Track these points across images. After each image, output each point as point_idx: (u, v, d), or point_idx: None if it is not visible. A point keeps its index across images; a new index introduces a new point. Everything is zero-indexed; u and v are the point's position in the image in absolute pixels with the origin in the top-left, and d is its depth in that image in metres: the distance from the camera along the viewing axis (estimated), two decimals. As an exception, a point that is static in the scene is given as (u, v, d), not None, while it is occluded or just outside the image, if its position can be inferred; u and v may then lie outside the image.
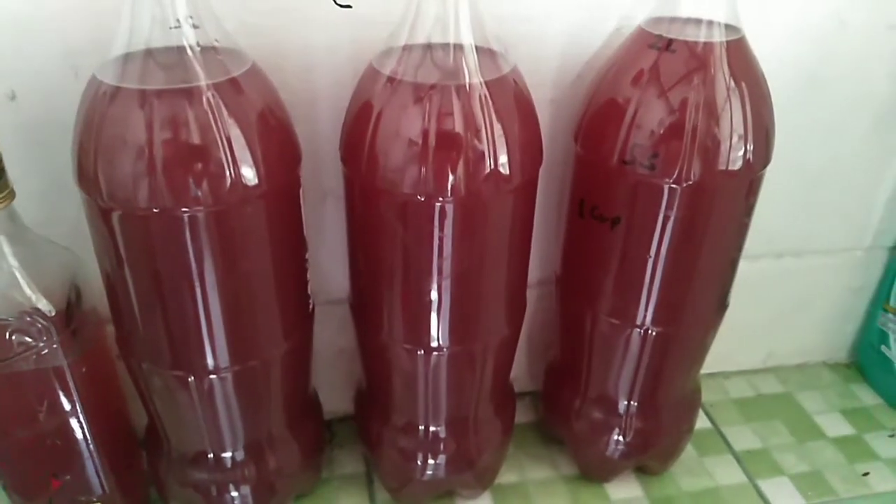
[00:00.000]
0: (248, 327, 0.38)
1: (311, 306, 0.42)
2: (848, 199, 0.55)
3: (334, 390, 0.51)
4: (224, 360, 0.38)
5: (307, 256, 0.41)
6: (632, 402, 0.47)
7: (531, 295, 0.45)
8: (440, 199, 0.35)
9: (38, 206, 0.40)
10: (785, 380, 0.62)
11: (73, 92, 0.35)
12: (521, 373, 0.55)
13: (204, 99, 0.32)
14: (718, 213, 0.39)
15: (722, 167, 0.37)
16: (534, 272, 0.44)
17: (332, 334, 0.50)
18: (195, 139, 0.32)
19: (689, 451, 0.52)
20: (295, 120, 0.37)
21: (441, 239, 0.36)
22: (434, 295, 0.38)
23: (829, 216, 0.56)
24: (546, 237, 0.49)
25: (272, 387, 0.41)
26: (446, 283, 0.38)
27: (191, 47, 0.33)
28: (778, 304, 0.59)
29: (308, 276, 0.41)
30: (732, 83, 0.36)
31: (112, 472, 0.43)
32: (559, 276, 0.48)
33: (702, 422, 0.56)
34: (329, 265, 0.47)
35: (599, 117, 0.39)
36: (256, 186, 0.34)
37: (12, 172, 0.35)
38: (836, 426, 0.57)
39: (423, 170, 0.34)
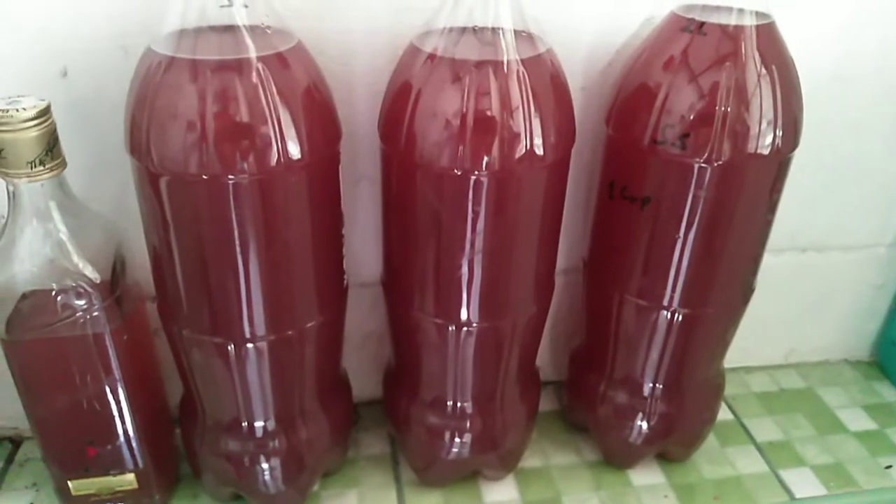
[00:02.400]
0: (285, 297, 0.39)
1: (345, 282, 0.43)
2: (871, 196, 0.56)
3: (361, 374, 0.52)
4: (261, 328, 0.39)
5: (343, 232, 0.42)
6: (657, 385, 0.47)
7: (557, 284, 0.46)
8: (476, 172, 0.36)
9: (85, 180, 0.41)
10: (806, 375, 0.62)
11: (122, 70, 0.37)
12: (544, 362, 0.56)
13: (253, 72, 0.33)
14: (747, 193, 0.40)
15: (751, 149, 0.38)
16: (560, 261, 0.45)
17: (361, 318, 0.51)
18: (244, 110, 0.33)
19: (711, 440, 0.53)
20: (337, 105, 0.38)
21: (475, 213, 0.37)
22: (465, 270, 0.39)
23: (851, 212, 0.56)
24: (573, 225, 0.50)
25: (305, 359, 0.42)
26: (478, 258, 0.39)
27: (241, 24, 0.34)
28: (800, 300, 0.60)
29: (344, 252, 0.42)
30: (763, 67, 0.37)
31: (146, 446, 0.44)
32: (587, 260, 0.48)
33: (724, 414, 0.56)
34: (360, 248, 0.48)
35: (632, 99, 0.40)
36: (300, 159, 0.35)
37: (62, 146, 0.36)
38: (858, 421, 0.57)
39: (461, 144, 0.35)
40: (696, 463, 0.52)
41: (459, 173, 0.36)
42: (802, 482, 0.51)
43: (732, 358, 0.51)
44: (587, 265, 0.48)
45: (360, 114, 0.44)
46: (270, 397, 0.42)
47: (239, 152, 0.34)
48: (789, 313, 0.60)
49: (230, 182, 0.34)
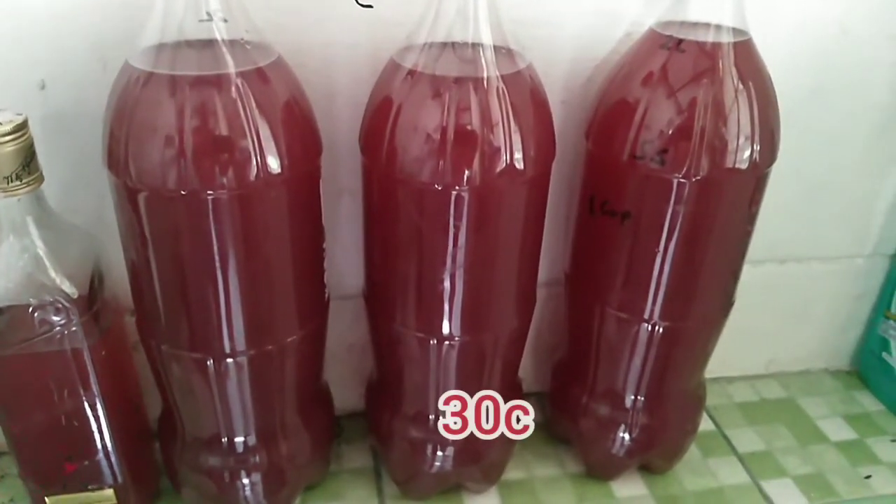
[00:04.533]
0: (265, 312, 0.38)
1: (326, 296, 0.43)
2: (849, 207, 0.56)
3: (343, 386, 0.52)
4: (241, 343, 0.38)
5: (325, 246, 0.41)
6: (638, 398, 0.47)
7: (538, 296, 0.46)
8: (456, 188, 0.36)
9: (63, 193, 0.41)
10: (787, 385, 0.62)
11: (101, 83, 0.36)
12: (527, 373, 0.55)
13: (233, 87, 0.33)
14: (725, 207, 0.40)
15: (729, 164, 0.38)
16: (541, 273, 0.45)
17: (343, 330, 0.50)
18: (223, 126, 0.33)
19: (693, 451, 0.53)
20: (318, 118, 0.38)
21: (456, 228, 0.37)
22: (447, 284, 0.39)
23: (830, 223, 0.57)
24: (554, 238, 0.50)
25: (286, 373, 0.42)
26: (459, 273, 0.39)
27: (221, 39, 0.34)
28: (780, 311, 0.60)
29: (325, 265, 0.42)
30: (740, 83, 0.38)
31: (125, 460, 0.43)
32: (568, 274, 0.48)
33: (706, 424, 0.56)
34: (343, 261, 0.48)
35: (612, 114, 0.41)
36: (279, 173, 0.35)
37: (40, 159, 0.36)
38: (839, 431, 0.58)
39: (441, 159, 0.35)
40: (678, 474, 0.52)
41: (440, 188, 0.36)
42: (784, 493, 0.52)
43: (713, 368, 0.51)
44: (569, 278, 0.49)
45: (341, 127, 0.43)
46: (251, 412, 0.42)
47: (218, 167, 0.33)
48: (770, 323, 0.60)
49: (209, 197, 0.34)
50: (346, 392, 0.52)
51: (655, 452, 0.50)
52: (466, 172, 0.36)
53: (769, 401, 0.61)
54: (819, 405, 0.61)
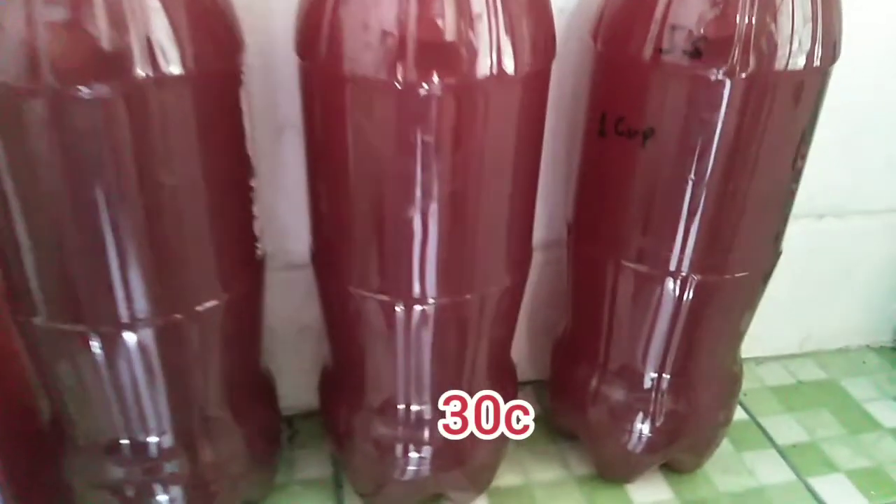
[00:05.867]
0: (171, 267, 0.30)
1: (260, 253, 0.34)
2: (896, 151, 0.50)
3: (296, 379, 0.45)
4: (141, 309, 0.30)
5: (253, 185, 0.33)
6: (662, 376, 0.40)
7: (535, 261, 0.39)
8: (424, 87, 0.28)
9: None
10: (826, 365, 0.57)
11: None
12: (521, 359, 0.49)
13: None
14: (777, 118, 0.32)
15: (783, 58, 0.30)
16: (537, 233, 0.38)
17: (295, 307, 0.43)
18: (99, 10, 0.25)
19: (724, 445, 0.47)
20: (248, 30, 0.31)
21: (425, 146, 0.29)
22: (417, 225, 0.31)
23: (875, 171, 0.51)
24: (552, 185, 0.43)
25: (206, 352, 0.33)
26: (433, 210, 0.31)
27: None
28: (816, 277, 0.54)
29: (256, 211, 0.33)
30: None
31: (7, 480, 0.35)
32: (572, 223, 0.41)
33: (736, 412, 0.49)
34: (288, 219, 0.41)
35: (628, 5, 0.32)
36: (181, 74, 0.26)
37: None
38: (892, 415, 0.52)
39: (402, 45, 0.27)
40: (708, 473, 0.46)
41: (401, 87, 0.28)
42: (837, 491, 0.46)
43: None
44: (572, 229, 0.41)
45: (279, 42, 0.35)
46: (161, 406, 0.33)
47: (90, 61, 0.25)
48: (804, 293, 0.54)
49: (81, 97, 0.25)
50: (299, 386, 0.45)
51: (682, 446, 0.43)
52: (437, 68, 0.27)
53: (807, 383, 0.55)
54: (865, 387, 0.55)
